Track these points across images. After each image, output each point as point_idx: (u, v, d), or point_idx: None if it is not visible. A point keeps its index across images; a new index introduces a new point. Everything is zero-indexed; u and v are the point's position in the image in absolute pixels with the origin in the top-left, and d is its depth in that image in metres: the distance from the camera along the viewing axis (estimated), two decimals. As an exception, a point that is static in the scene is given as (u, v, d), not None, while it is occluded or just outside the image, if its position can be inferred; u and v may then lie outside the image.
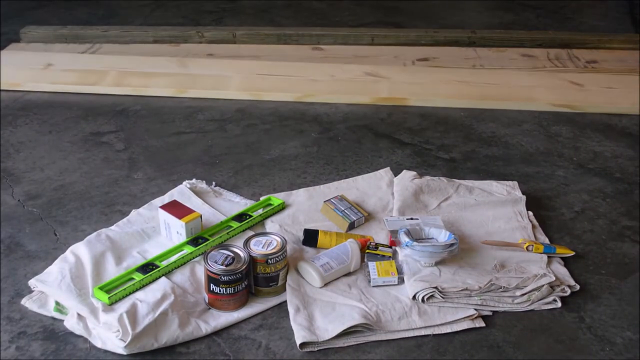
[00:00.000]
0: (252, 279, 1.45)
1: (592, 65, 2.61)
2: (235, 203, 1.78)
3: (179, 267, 1.50)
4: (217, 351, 1.33)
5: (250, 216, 1.66)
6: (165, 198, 1.76)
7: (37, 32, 2.90)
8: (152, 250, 1.56)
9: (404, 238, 1.51)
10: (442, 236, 1.54)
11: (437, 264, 1.50)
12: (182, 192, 1.78)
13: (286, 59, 2.65)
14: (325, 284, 1.47)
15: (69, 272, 1.45)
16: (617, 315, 1.43)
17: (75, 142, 2.11)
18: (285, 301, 1.44)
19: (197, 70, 2.53)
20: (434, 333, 1.37)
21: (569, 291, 1.46)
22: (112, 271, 1.48)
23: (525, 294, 1.43)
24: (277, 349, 1.34)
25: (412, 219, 1.64)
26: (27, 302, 1.43)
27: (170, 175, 1.92)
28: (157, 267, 1.47)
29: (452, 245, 1.49)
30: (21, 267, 1.55)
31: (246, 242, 1.47)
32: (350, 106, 2.34)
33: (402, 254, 1.53)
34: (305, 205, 1.75)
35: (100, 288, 1.40)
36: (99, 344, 1.33)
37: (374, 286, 1.47)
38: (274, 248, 1.45)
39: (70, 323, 1.36)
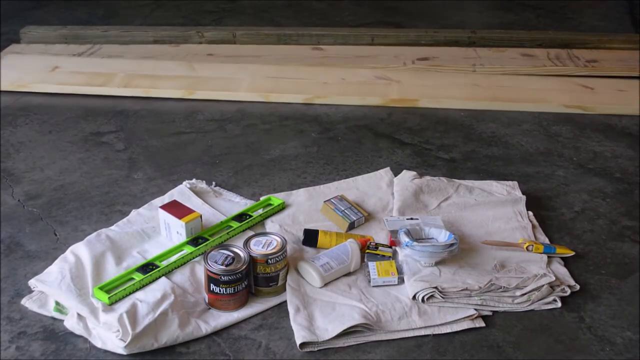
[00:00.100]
0: (252, 279, 1.45)
1: (593, 65, 2.61)
2: (235, 203, 1.78)
3: (179, 267, 1.50)
4: (217, 351, 1.33)
5: (250, 216, 1.66)
6: (165, 198, 1.76)
7: (37, 32, 2.90)
8: (152, 250, 1.56)
9: (404, 238, 1.51)
10: (442, 236, 1.54)
11: (437, 264, 1.50)
12: (182, 192, 1.78)
13: (286, 59, 2.65)
14: (325, 284, 1.47)
15: (69, 272, 1.45)
16: (617, 315, 1.43)
17: (75, 142, 2.11)
18: (285, 301, 1.44)
19: (205, 73, 2.51)
20: (434, 333, 1.37)
21: (569, 291, 1.46)
22: (112, 271, 1.48)
23: (525, 294, 1.43)
24: (277, 349, 1.34)
25: (412, 219, 1.64)
26: (27, 302, 1.43)
27: (170, 175, 1.92)
28: (157, 267, 1.47)
29: (452, 245, 1.49)
30: (21, 267, 1.55)
31: (246, 242, 1.47)
32: (351, 106, 2.33)
33: (402, 254, 1.53)
34: (305, 205, 1.75)
35: (100, 288, 1.40)
36: (99, 344, 1.33)
37: (374, 286, 1.47)
38: (274, 248, 1.45)
39: (70, 323, 1.36)
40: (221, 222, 1.65)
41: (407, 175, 1.84)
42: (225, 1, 3.49)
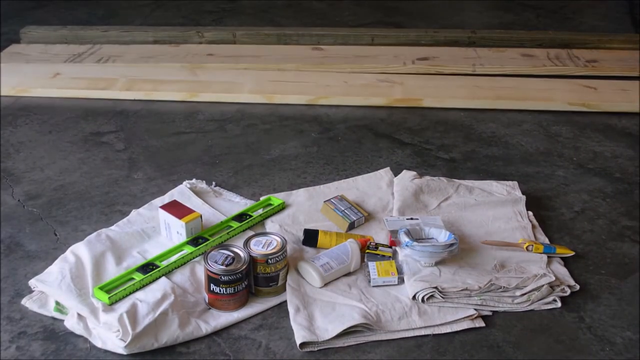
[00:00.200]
0: (252, 279, 1.45)
1: (593, 65, 2.61)
2: (235, 203, 1.78)
3: (179, 267, 1.50)
4: (217, 351, 1.33)
5: (250, 216, 1.66)
6: (165, 198, 1.76)
7: (37, 32, 2.90)
8: (152, 250, 1.56)
9: (404, 238, 1.51)
10: (442, 236, 1.54)
11: (437, 264, 1.50)
12: (182, 192, 1.78)
13: (286, 59, 2.65)
14: (325, 284, 1.47)
15: (69, 272, 1.45)
16: (617, 315, 1.43)
17: (75, 142, 2.12)
18: (285, 301, 1.44)
19: (207, 77, 2.50)
20: (434, 333, 1.37)
21: (568, 291, 1.46)
22: (112, 271, 1.48)
23: (525, 294, 1.43)
24: (277, 349, 1.34)
25: (412, 219, 1.64)
26: (27, 302, 1.43)
27: (170, 175, 1.92)
28: (157, 267, 1.47)
29: (452, 245, 1.49)
30: (21, 267, 1.55)
31: (246, 242, 1.47)
32: (351, 106, 2.33)
33: (402, 254, 1.53)
34: (305, 205, 1.75)
35: (101, 288, 1.40)
36: (99, 344, 1.33)
37: (374, 286, 1.47)
38: (274, 248, 1.45)
39: (71, 323, 1.36)
40: (221, 222, 1.65)
41: (407, 175, 1.84)
42: (225, 1, 3.49)
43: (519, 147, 2.10)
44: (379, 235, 1.64)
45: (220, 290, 1.39)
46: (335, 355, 1.32)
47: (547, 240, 1.64)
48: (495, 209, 1.73)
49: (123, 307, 1.36)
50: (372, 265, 1.49)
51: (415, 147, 2.10)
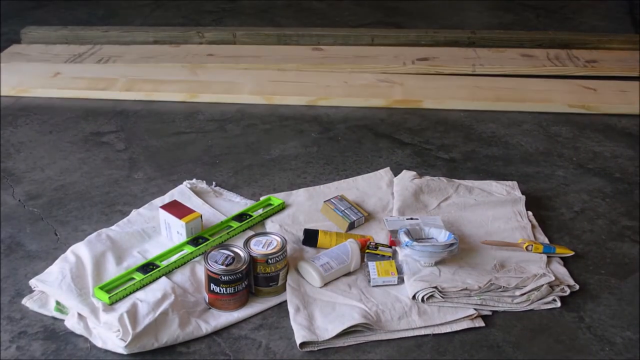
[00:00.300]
0: (252, 279, 1.45)
1: (592, 65, 2.61)
2: (236, 203, 1.78)
3: (179, 267, 1.51)
4: (217, 351, 1.33)
5: (251, 216, 1.67)
6: (166, 198, 1.76)
7: (38, 32, 2.90)
8: (153, 250, 1.56)
9: (404, 238, 1.51)
10: (442, 236, 1.54)
11: (437, 264, 1.50)
12: (182, 192, 1.79)
13: (286, 59, 2.65)
14: (325, 284, 1.47)
15: (69, 272, 1.45)
16: (617, 315, 1.43)
17: (75, 142, 2.12)
18: (285, 301, 1.44)
19: (207, 77, 2.50)
20: (434, 333, 1.37)
21: (568, 291, 1.46)
22: (112, 271, 1.48)
23: (524, 293, 1.43)
24: (277, 349, 1.34)
25: (412, 219, 1.64)
26: (27, 302, 1.43)
27: (170, 175, 1.92)
28: (158, 267, 1.47)
29: (452, 245, 1.49)
30: (22, 267, 1.55)
31: (246, 242, 1.47)
32: (351, 107, 2.33)
33: (402, 254, 1.53)
34: (305, 205, 1.75)
35: (101, 288, 1.40)
36: (99, 344, 1.33)
37: (374, 286, 1.47)
38: (274, 248, 1.45)
39: (71, 323, 1.36)
40: (221, 222, 1.65)
41: (407, 175, 1.84)
42: (225, 1, 3.49)
43: (519, 147, 2.10)
44: (379, 235, 1.64)
45: (220, 290, 1.39)
46: (335, 355, 1.32)
47: (546, 240, 1.64)
48: (495, 209, 1.73)
49: (123, 306, 1.36)
50: (372, 265, 1.49)
51: (415, 147, 2.10)
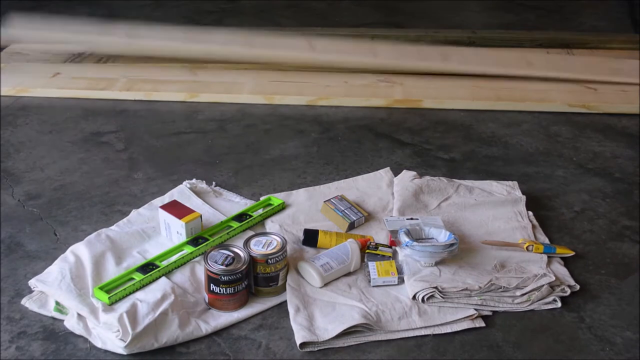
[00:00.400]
0: (252, 279, 1.45)
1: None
2: (235, 203, 1.78)
3: (179, 267, 1.50)
4: (217, 351, 1.33)
5: (250, 216, 1.66)
6: (165, 198, 1.76)
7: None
8: (152, 250, 1.56)
9: (404, 238, 1.51)
10: (442, 236, 1.54)
11: (437, 264, 1.50)
12: (182, 192, 1.78)
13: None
14: (325, 284, 1.47)
15: (69, 272, 1.45)
16: (617, 315, 1.43)
17: (75, 142, 2.12)
18: (285, 301, 1.44)
19: (208, 77, 2.50)
20: (434, 333, 1.37)
21: (568, 291, 1.46)
22: (112, 271, 1.48)
23: (525, 294, 1.43)
24: (277, 349, 1.34)
25: (412, 219, 1.64)
26: (27, 302, 1.43)
27: (170, 175, 1.92)
28: (157, 267, 1.47)
29: (452, 245, 1.49)
30: (21, 267, 1.55)
31: (246, 242, 1.47)
32: (351, 107, 2.33)
33: (402, 254, 1.53)
34: (305, 205, 1.75)
35: (101, 288, 1.40)
36: (99, 344, 1.33)
37: (374, 286, 1.47)
38: (274, 248, 1.45)
39: (71, 323, 1.36)
40: (221, 222, 1.65)
41: (407, 175, 1.84)
42: (225, 1, 3.49)
43: (519, 147, 2.10)
44: (379, 235, 1.64)
45: (220, 290, 1.39)
46: (335, 355, 1.32)
47: (547, 240, 1.64)
48: (495, 209, 1.73)
49: (123, 307, 1.36)
50: (372, 265, 1.49)
51: (415, 147, 2.10)
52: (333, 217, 1.68)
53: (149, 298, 1.39)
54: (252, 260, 1.43)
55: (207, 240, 1.57)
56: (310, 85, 2.44)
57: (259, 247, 1.45)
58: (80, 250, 1.52)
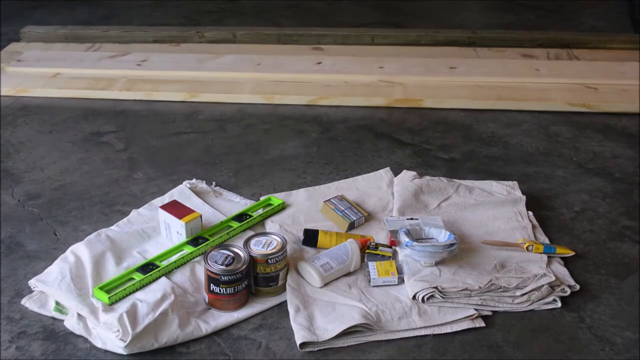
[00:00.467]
0: (252, 279, 1.45)
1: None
2: (235, 203, 1.78)
3: (179, 267, 1.50)
4: (217, 351, 1.33)
5: (250, 216, 1.66)
6: (165, 198, 1.76)
7: (37, 32, 2.90)
8: (152, 250, 1.56)
9: (404, 238, 1.51)
10: (442, 236, 1.54)
11: (437, 264, 1.50)
12: (182, 192, 1.78)
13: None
14: (325, 284, 1.47)
15: (69, 272, 1.45)
16: (617, 315, 1.43)
17: (75, 142, 2.12)
18: (285, 301, 1.44)
19: (209, 74, 2.50)
20: (434, 333, 1.37)
21: (569, 291, 1.46)
22: (112, 271, 1.48)
23: (525, 294, 1.43)
24: (277, 349, 1.34)
25: (412, 219, 1.64)
26: (27, 302, 1.43)
27: (170, 175, 1.92)
28: (157, 267, 1.47)
29: (452, 245, 1.49)
30: (21, 267, 1.55)
31: (246, 242, 1.47)
32: (351, 107, 2.33)
33: (402, 254, 1.53)
34: (305, 205, 1.75)
35: (101, 288, 1.40)
36: (99, 344, 1.33)
37: (374, 286, 1.47)
38: (274, 248, 1.45)
39: (71, 323, 1.36)
40: (221, 222, 1.65)
41: (407, 175, 1.84)
42: (225, 1, 3.49)
43: (519, 147, 2.10)
44: (379, 235, 1.64)
45: (220, 290, 1.39)
46: (335, 355, 1.32)
47: (547, 240, 1.64)
48: (495, 209, 1.73)
49: (123, 307, 1.36)
50: (372, 265, 1.49)
51: (415, 147, 2.10)
52: (333, 217, 1.68)
53: (149, 298, 1.39)
54: (252, 260, 1.43)
55: (207, 240, 1.57)
56: (310, 85, 2.44)
57: (259, 247, 1.45)
58: (80, 250, 1.52)
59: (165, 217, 1.58)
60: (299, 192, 1.81)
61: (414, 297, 1.42)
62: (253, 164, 1.99)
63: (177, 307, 1.38)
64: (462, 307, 1.41)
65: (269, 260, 1.43)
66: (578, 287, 1.48)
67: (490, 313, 1.42)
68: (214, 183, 1.87)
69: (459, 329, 1.38)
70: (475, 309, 1.41)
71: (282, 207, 1.73)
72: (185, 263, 1.52)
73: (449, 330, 1.38)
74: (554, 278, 1.46)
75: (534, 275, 1.46)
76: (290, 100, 2.36)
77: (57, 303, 1.40)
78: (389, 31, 2.94)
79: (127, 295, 1.40)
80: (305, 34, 2.87)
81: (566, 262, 1.56)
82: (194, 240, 1.56)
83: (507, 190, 1.80)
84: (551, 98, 2.35)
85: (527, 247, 1.55)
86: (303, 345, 1.33)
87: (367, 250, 1.54)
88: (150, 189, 1.86)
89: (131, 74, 2.50)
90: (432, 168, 1.97)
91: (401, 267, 1.50)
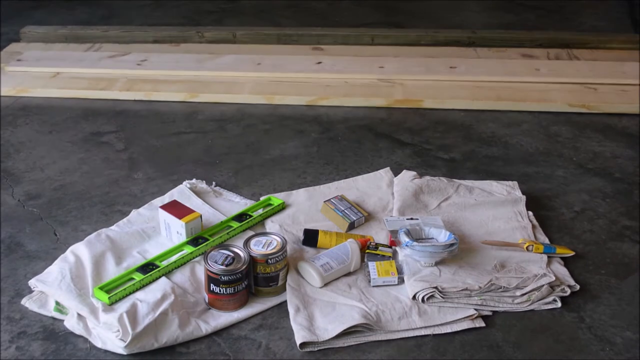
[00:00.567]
0: (252, 279, 1.45)
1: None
2: (235, 203, 1.78)
3: (179, 267, 1.50)
4: (217, 351, 1.33)
5: (250, 216, 1.66)
6: (165, 198, 1.76)
7: (37, 32, 2.90)
8: (152, 250, 1.56)
9: (404, 238, 1.51)
10: (442, 236, 1.54)
11: (437, 264, 1.50)
12: (182, 192, 1.78)
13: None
14: (325, 284, 1.47)
15: (69, 272, 1.45)
16: (617, 315, 1.43)
17: (75, 142, 2.12)
18: (285, 301, 1.44)
19: (209, 74, 2.50)
20: (434, 333, 1.37)
21: (569, 291, 1.46)
22: (112, 271, 1.48)
23: (525, 294, 1.43)
24: (277, 349, 1.34)
25: (412, 219, 1.64)
26: (27, 302, 1.43)
27: (170, 175, 1.92)
28: (157, 267, 1.47)
29: (452, 245, 1.49)
30: (21, 267, 1.55)
31: (246, 242, 1.47)
32: (351, 107, 2.33)
33: (402, 254, 1.53)
34: (305, 205, 1.75)
35: (101, 288, 1.40)
36: (99, 344, 1.33)
37: (374, 286, 1.47)
38: (274, 248, 1.45)
39: (71, 323, 1.36)
40: (221, 222, 1.65)
41: (407, 175, 1.84)
42: (225, 1, 3.49)
43: (519, 147, 2.10)
44: (379, 235, 1.64)
45: (220, 290, 1.39)
46: (335, 355, 1.32)
47: (547, 240, 1.64)
48: (495, 209, 1.73)
49: (123, 307, 1.36)
50: (372, 265, 1.49)
51: (415, 147, 2.10)
52: (333, 217, 1.68)
53: (149, 298, 1.39)
54: (252, 260, 1.43)
55: (207, 240, 1.57)
56: (310, 85, 2.44)
57: (259, 247, 1.45)
58: (80, 250, 1.52)
59: (165, 217, 1.58)
60: (299, 192, 1.81)
61: (414, 297, 1.42)
62: (253, 164, 1.99)
63: (177, 307, 1.38)
64: (462, 307, 1.41)
65: (269, 260, 1.43)
66: (578, 287, 1.48)
67: (490, 313, 1.42)
68: (214, 183, 1.87)
69: (459, 329, 1.38)
70: (475, 309, 1.41)
71: (282, 207, 1.73)
72: (185, 263, 1.52)
73: (449, 330, 1.38)
74: (554, 278, 1.46)
75: (534, 275, 1.46)
76: (290, 100, 2.36)
77: (57, 303, 1.40)
78: (389, 31, 2.94)
79: (127, 295, 1.40)
80: (305, 34, 2.87)
81: (566, 262, 1.56)
82: (194, 240, 1.56)
83: (507, 190, 1.80)
84: (551, 98, 2.35)
85: (527, 247, 1.55)
86: (303, 345, 1.33)
87: (367, 250, 1.54)
88: (150, 189, 1.86)
89: (131, 74, 2.51)
90: (432, 168, 1.97)
91: (401, 267, 1.50)
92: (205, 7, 3.39)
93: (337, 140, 2.13)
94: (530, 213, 1.73)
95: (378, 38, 2.86)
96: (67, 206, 1.78)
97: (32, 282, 1.45)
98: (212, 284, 1.39)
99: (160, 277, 1.46)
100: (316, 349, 1.33)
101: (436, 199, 1.76)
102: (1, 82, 2.43)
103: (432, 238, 1.55)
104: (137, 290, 1.42)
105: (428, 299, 1.41)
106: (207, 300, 1.43)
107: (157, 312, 1.35)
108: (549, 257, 1.55)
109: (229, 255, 1.42)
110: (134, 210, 1.72)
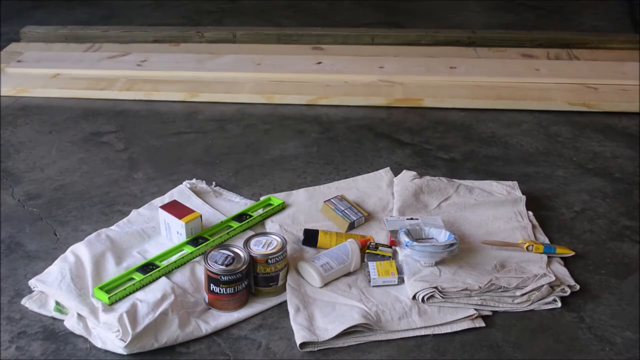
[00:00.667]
0: (252, 279, 1.45)
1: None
2: (235, 203, 1.78)
3: (179, 267, 1.50)
4: (217, 351, 1.33)
5: (250, 216, 1.66)
6: (165, 198, 1.76)
7: (37, 32, 2.90)
8: (152, 250, 1.56)
9: (404, 238, 1.51)
10: (442, 236, 1.54)
11: (437, 264, 1.50)
12: (182, 192, 1.78)
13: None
14: (325, 284, 1.47)
15: (69, 272, 1.45)
16: (617, 315, 1.43)
17: (75, 142, 2.12)
18: (285, 301, 1.44)
19: (209, 74, 2.50)
20: (434, 333, 1.37)
21: (569, 291, 1.46)
22: (112, 271, 1.48)
23: (525, 294, 1.43)
24: (277, 349, 1.34)
25: (412, 219, 1.64)
26: (27, 302, 1.43)
27: (170, 175, 1.92)
28: (157, 267, 1.47)
29: (452, 245, 1.49)
30: (21, 267, 1.55)
31: (246, 242, 1.47)
32: (351, 107, 2.33)
33: (402, 254, 1.53)
34: (305, 205, 1.75)
35: (101, 288, 1.40)
36: (99, 344, 1.33)
37: (374, 286, 1.47)
38: (274, 248, 1.45)
39: (71, 323, 1.36)
40: (221, 222, 1.65)
41: (407, 175, 1.84)
42: (225, 1, 3.49)
43: (519, 147, 2.10)
44: (379, 235, 1.64)
45: (220, 290, 1.39)
46: (335, 355, 1.32)
47: (547, 240, 1.64)
48: (495, 209, 1.73)
49: (123, 307, 1.36)
50: (372, 265, 1.49)
51: (415, 147, 2.10)
52: (333, 217, 1.68)
53: (149, 298, 1.39)
54: (252, 260, 1.43)
55: (207, 240, 1.57)
56: (310, 85, 2.44)
57: (259, 247, 1.45)
58: (80, 250, 1.52)
59: (165, 217, 1.58)
60: (299, 192, 1.81)
61: (414, 297, 1.42)
62: (253, 164, 1.99)
63: (177, 307, 1.38)
64: (462, 307, 1.41)
65: (269, 260, 1.43)
66: (578, 287, 1.48)
67: (490, 313, 1.42)
68: (214, 183, 1.87)
69: (459, 329, 1.38)
70: (475, 309, 1.41)
71: (282, 207, 1.73)
72: (185, 263, 1.52)
73: (449, 330, 1.38)
74: (554, 278, 1.46)
75: (534, 275, 1.46)
76: (290, 100, 2.36)
77: (57, 303, 1.40)
78: (389, 31, 2.94)
79: (127, 295, 1.40)
80: (305, 34, 2.87)
81: (566, 262, 1.56)
82: (194, 240, 1.56)
83: (507, 190, 1.80)
84: (551, 98, 2.35)
85: (527, 247, 1.55)
86: (303, 345, 1.33)
87: (367, 250, 1.54)
88: (150, 189, 1.86)
89: (131, 74, 2.51)
90: (432, 168, 1.97)
91: (401, 267, 1.50)
92: (205, 7, 3.39)
93: (337, 140, 2.13)
94: (530, 213, 1.73)
95: (378, 38, 2.86)
96: (67, 206, 1.78)
97: (32, 282, 1.45)
98: (212, 284, 1.39)
99: (160, 277, 1.46)
100: (316, 349, 1.33)
101: (436, 199, 1.76)
102: (1, 82, 2.43)
103: (432, 238, 1.55)
104: (137, 290, 1.42)
105: (428, 299, 1.41)
106: (207, 300, 1.43)
107: (157, 312, 1.35)
108: (549, 257, 1.55)
109: (229, 255, 1.42)
110: (134, 210, 1.72)
